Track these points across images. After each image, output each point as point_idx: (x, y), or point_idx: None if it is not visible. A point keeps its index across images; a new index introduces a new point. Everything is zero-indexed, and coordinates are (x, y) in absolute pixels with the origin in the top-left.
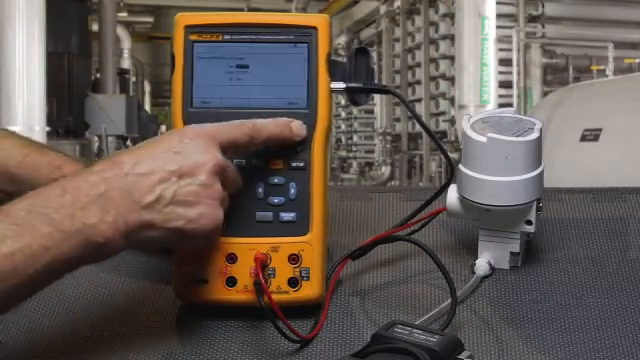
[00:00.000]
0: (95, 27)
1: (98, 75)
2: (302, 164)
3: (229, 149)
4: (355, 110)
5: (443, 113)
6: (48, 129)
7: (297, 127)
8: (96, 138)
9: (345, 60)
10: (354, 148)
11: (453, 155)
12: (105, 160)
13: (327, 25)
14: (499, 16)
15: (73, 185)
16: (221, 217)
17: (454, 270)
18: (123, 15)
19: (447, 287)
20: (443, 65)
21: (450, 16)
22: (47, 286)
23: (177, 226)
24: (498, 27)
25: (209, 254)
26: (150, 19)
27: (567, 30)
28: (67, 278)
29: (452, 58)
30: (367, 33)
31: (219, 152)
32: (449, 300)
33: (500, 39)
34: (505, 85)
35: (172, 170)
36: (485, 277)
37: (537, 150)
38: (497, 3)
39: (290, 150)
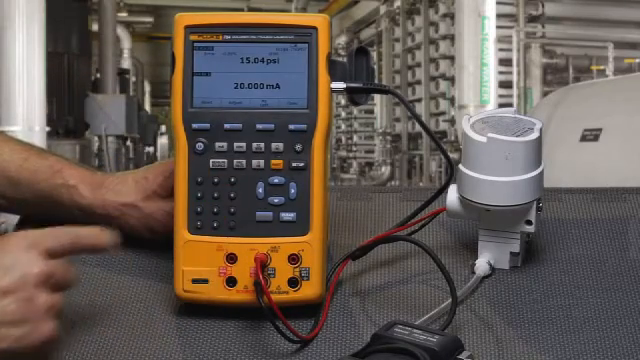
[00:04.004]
0: (95, 27)
1: (98, 75)
2: (302, 164)
3: (56, 255)
4: (355, 110)
5: (443, 113)
6: (48, 129)
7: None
8: (96, 138)
9: (345, 60)
10: (354, 148)
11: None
12: None
13: (327, 25)
14: (499, 16)
15: None
16: (49, 331)
17: (454, 270)
18: (123, 15)
19: (447, 287)
20: (443, 65)
21: (450, 16)
22: None
23: (3, 347)
24: (498, 27)
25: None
26: (150, 19)
27: (567, 30)
28: None
29: (452, 58)
30: (367, 33)
31: (42, 260)
32: (449, 300)
33: (500, 39)
34: (505, 85)
35: None
36: (485, 277)
37: (537, 150)
38: (497, 3)
39: (290, 150)
